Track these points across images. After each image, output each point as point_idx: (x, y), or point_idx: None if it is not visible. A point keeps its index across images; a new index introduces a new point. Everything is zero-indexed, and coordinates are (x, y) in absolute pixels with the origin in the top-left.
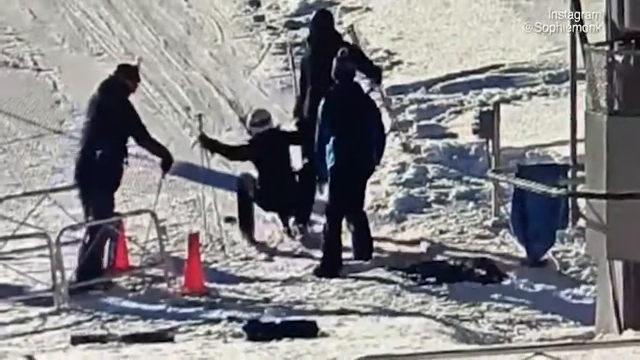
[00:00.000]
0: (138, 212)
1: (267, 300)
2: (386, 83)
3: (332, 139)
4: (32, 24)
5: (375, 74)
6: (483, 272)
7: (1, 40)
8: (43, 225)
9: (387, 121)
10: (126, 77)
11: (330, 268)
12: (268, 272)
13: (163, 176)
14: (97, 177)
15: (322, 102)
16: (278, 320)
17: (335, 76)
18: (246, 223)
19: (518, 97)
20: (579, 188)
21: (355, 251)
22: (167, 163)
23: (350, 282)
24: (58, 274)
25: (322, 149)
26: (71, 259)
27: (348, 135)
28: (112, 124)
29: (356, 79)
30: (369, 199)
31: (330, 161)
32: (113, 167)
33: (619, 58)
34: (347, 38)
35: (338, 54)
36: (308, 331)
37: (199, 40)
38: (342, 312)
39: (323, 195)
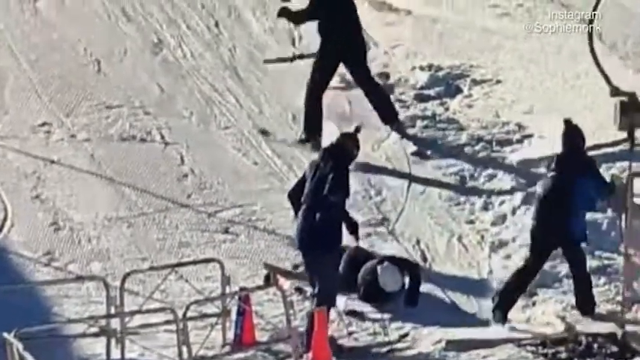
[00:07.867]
0: (263, 287)
1: None
2: (516, 157)
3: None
4: (160, 97)
5: None
6: (615, 349)
7: (129, 113)
8: (170, 300)
9: None
10: (348, 145)
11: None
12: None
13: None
14: (321, 241)
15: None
16: None
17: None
18: None
19: None
20: None
21: None
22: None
23: (478, 358)
24: (184, 349)
25: None
26: (197, 334)
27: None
28: (332, 189)
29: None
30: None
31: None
32: (335, 231)
33: None
34: None
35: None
36: None
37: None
38: None
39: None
